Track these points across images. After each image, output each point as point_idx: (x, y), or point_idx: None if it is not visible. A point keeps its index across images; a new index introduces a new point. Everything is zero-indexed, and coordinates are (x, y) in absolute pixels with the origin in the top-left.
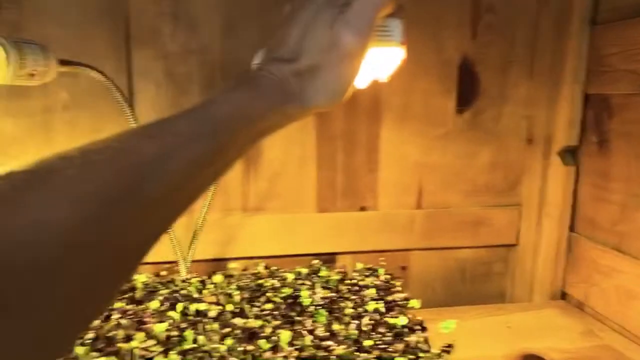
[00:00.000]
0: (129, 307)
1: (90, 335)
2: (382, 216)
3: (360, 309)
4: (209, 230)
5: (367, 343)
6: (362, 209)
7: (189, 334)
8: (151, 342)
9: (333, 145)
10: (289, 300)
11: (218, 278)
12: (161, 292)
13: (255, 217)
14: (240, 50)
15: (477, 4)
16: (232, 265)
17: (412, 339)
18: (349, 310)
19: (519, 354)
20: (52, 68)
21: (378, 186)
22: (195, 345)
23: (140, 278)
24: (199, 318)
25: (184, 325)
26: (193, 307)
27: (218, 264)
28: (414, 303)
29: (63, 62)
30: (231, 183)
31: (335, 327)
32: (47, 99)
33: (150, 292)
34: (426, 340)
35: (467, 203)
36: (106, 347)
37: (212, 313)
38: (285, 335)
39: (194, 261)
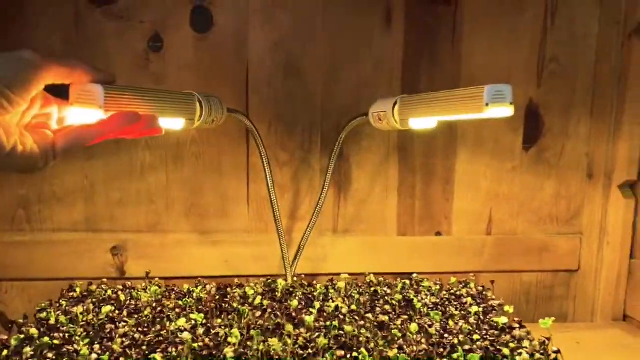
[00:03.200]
0: (275, 304)
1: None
2: (456, 241)
3: (463, 312)
4: (306, 248)
5: (476, 337)
6: (438, 233)
7: (335, 323)
8: (303, 330)
9: (413, 177)
10: (404, 303)
11: (341, 284)
12: (297, 293)
13: (344, 238)
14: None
15: (542, 55)
16: (343, 276)
17: (517, 332)
18: (455, 312)
19: None
20: (223, 117)
21: (452, 214)
22: (342, 332)
23: (281, 283)
24: (336, 313)
25: (323, 320)
26: (331, 304)
27: (312, 278)
28: (508, 308)
29: (229, 110)
30: (325, 208)
31: (450, 323)
32: (179, 135)
33: (288, 293)
34: (529, 333)
35: (532, 231)
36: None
37: (345, 310)
38: (413, 326)
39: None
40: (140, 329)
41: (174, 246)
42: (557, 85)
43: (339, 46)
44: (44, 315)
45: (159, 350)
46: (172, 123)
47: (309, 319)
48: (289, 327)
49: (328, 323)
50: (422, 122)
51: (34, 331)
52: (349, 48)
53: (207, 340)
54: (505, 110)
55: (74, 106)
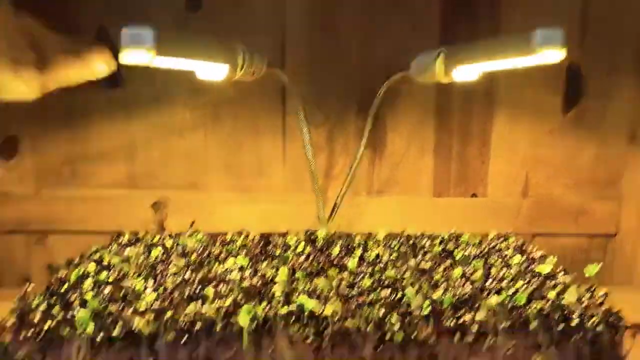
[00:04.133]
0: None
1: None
2: (491, 203)
3: (505, 262)
4: (340, 207)
5: (520, 283)
6: (473, 195)
7: (378, 269)
8: (345, 274)
9: (449, 138)
10: (444, 254)
11: (380, 235)
12: (337, 242)
13: (378, 198)
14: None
15: (586, 13)
16: (380, 232)
17: (561, 279)
18: (498, 262)
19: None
20: (263, 69)
21: (488, 175)
22: (384, 277)
23: (321, 233)
24: (377, 260)
25: (364, 267)
26: (372, 253)
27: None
28: (551, 259)
29: (269, 65)
30: (360, 168)
31: (493, 271)
32: (217, 95)
33: (328, 243)
34: (576, 278)
35: (569, 194)
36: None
37: (385, 258)
38: (457, 271)
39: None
40: (189, 269)
41: (212, 203)
42: (601, 45)
43: (375, 5)
44: (97, 256)
45: (210, 286)
46: (214, 72)
47: (352, 263)
48: (333, 271)
49: (370, 269)
50: (466, 73)
51: (91, 267)
52: (385, 7)
53: (254, 280)
54: (556, 54)
55: (124, 50)
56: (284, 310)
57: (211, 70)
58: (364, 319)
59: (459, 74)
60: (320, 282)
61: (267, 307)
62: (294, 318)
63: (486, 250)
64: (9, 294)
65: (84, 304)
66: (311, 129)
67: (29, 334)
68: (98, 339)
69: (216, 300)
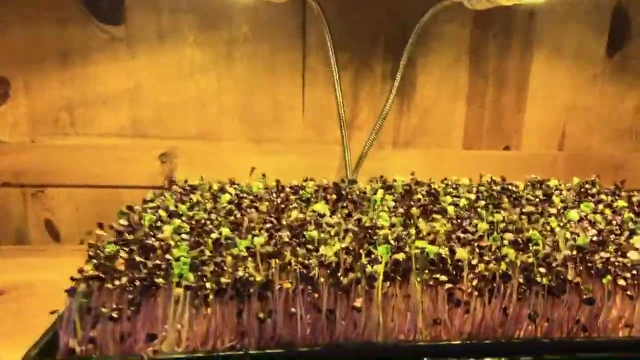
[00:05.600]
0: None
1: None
2: (526, 156)
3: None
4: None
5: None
6: (507, 148)
7: (482, 213)
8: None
9: (484, 84)
10: (543, 198)
11: (399, 180)
12: (418, 189)
13: (405, 151)
14: None
15: None
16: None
17: None
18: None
19: None
20: None
21: (523, 126)
22: (495, 220)
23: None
24: (475, 204)
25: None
26: (461, 200)
27: None
28: None
29: None
30: (387, 117)
31: (608, 212)
32: (231, 31)
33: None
34: None
35: (608, 147)
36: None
37: (481, 203)
38: (573, 214)
39: None
40: (273, 215)
41: (225, 154)
42: None
43: None
44: (156, 203)
45: (312, 230)
46: None
47: (450, 209)
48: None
49: (470, 213)
50: None
51: (162, 213)
52: None
53: (349, 224)
54: None
55: None
56: (414, 253)
57: None
58: (506, 263)
59: None
60: (425, 226)
61: (395, 251)
62: (423, 263)
63: (580, 194)
64: (4, 250)
65: (167, 250)
66: (333, 71)
67: (116, 285)
68: (203, 290)
69: (327, 245)
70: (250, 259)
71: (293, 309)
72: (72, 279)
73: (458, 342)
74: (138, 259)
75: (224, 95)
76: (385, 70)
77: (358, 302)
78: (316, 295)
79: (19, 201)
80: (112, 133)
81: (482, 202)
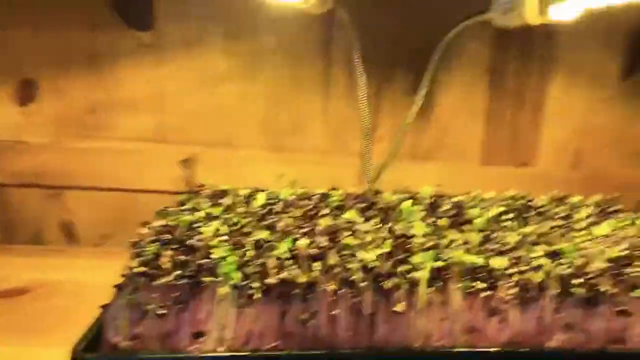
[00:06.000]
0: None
1: None
2: (542, 173)
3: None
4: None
5: None
6: (523, 164)
7: (509, 225)
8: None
9: (502, 103)
10: (562, 215)
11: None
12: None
13: (423, 164)
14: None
15: None
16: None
17: None
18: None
19: None
20: (329, 4)
21: (540, 144)
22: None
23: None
24: (499, 218)
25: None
26: (487, 212)
27: None
28: None
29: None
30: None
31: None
32: (256, 41)
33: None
34: None
35: (624, 166)
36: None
37: (508, 217)
38: (603, 228)
39: None
40: (306, 220)
41: (246, 162)
42: None
43: None
44: (191, 205)
45: (349, 237)
46: None
47: (478, 221)
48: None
49: (496, 226)
50: (566, 10)
51: (198, 215)
52: None
53: (384, 232)
54: None
55: None
56: (455, 261)
57: None
58: (543, 272)
59: (557, 11)
60: (458, 236)
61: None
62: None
63: (603, 212)
64: (22, 250)
65: (209, 250)
66: (356, 85)
67: (163, 282)
68: (248, 289)
69: (365, 251)
70: (291, 261)
71: (335, 311)
72: (122, 275)
73: (497, 349)
74: (184, 257)
75: (247, 104)
76: (407, 84)
77: (399, 307)
78: (358, 299)
79: (38, 202)
80: (135, 137)
81: (509, 215)
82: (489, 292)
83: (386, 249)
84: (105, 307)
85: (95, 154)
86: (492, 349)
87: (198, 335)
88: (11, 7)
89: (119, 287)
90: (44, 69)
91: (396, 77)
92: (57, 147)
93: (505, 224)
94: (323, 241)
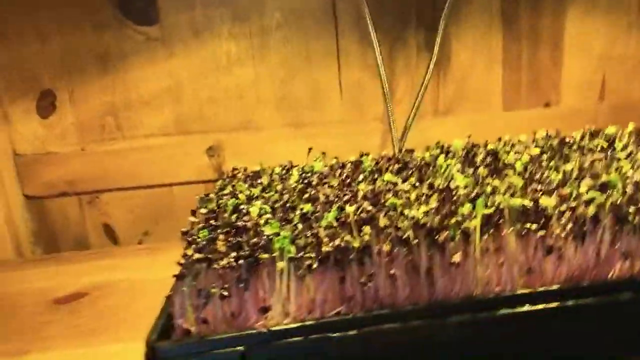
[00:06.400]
0: None
1: None
2: (566, 111)
3: None
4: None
5: None
6: (547, 105)
7: (549, 165)
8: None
9: (518, 45)
10: (606, 148)
11: (458, 144)
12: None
13: (446, 118)
14: None
15: None
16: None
17: None
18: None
19: None
20: None
21: (562, 81)
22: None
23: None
24: (538, 159)
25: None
26: (523, 156)
27: None
28: None
29: None
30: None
31: None
32: (263, 20)
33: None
34: None
35: None
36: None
37: (544, 157)
38: None
39: None
40: (342, 189)
41: (269, 141)
42: None
43: None
44: (229, 190)
45: (393, 197)
46: None
47: (518, 164)
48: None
49: (534, 167)
50: None
51: (241, 197)
52: None
53: (425, 188)
54: None
55: None
56: (504, 205)
57: None
58: (594, 206)
59: None
60: (500, 183)
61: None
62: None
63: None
64: (69, 257)
65: (259, 229)
66: (368, 49)
67: (222, 264)
68: (305, 260)
69: (410, 209)
70: (342, 228)
71: (392, 271)
72: (179, 263)
73: (556, 286)
74: (237, 239)
75: (261, 84)
76: (419, 42)
77: (456, 258)
78: (413, 256)
79: (77, 209)
80: (158, 133)
81: (546, 155)
82: (543, 231)
83: (433, 204)
84: (169, 296)
85: (122, 154)
86: (554, 287)
87: (264, 311)
88: (19, 24)
89: (179, 276)
90: (58, 78)
91: (407, 36)
92: (84, 153)
93: (544, 164)
94: (367, 205)
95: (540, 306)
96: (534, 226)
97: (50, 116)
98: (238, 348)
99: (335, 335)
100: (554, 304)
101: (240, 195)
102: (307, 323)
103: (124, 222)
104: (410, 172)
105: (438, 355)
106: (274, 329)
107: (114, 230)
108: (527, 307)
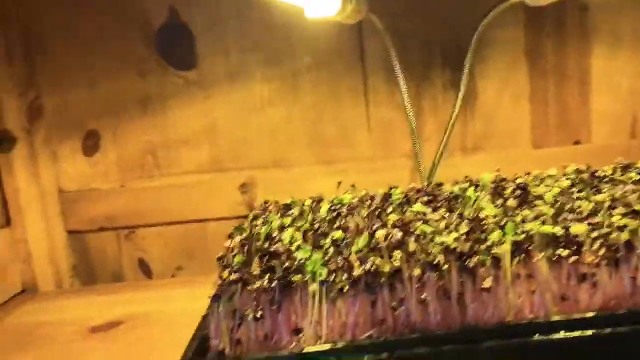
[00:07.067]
0: None
1: None
2: (597, 149)
3: None
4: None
5: None
6: (577, 142)
7: (580, 195)
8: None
9: (545, 82)
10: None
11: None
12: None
13: (474, 156)
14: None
15: None
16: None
17: None
18: None
19: None
20: (364, 12)
21: (591, 118)
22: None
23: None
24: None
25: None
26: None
27: None
28: None
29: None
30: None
31: None
32: (294, 64)
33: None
34: None
35: None
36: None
37: (575, 189)
38: None
39: None
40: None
41: (300, 178)
42: None
43: None
44: (260, 221)
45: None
46: (326, 7)
47: (548, 196)
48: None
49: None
50: None
51: (274, 225)
52: None
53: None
54: None
55: None
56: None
57: (322, 6)
58: (628, 232)
59: None
60: (530, 213)
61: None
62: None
63: None
64: (105, 289)
65: (291, 254)
66: (395, 89)
67: (257, 286)
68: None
69: (447, 234)
70: (372, 253)
71: (424, 296)
72: (217, 285)
73: (593, 314)
74: (271, 263)
75: (293, 124)
76: (445, 80)
77: (487, 283)
78: (444, 281)
79: (114, 243)
80: (194, 171)
81: (578, 187)
82: (575, 257)
83: (463, 230)
84: (205, 317)
85: (159, 191)
86: (589, 315)
87: (296, 332)
88: (70, 71)
89: (215, 298)
90: (103, 120)
91: (433, 75)
92: (124, 190)
93: (575, 195)
94: (398, 232)
95: (576, 333)
96: (566, 252)
97: (95, 155)
98: None
99: (366, 357)
100: (590, 332)
101: (272, 224)
102: (339, 345)
103: (159, 256)
104: (439, 204)
105: None
106: (306, 351)
107: (148, 265)
108: (562, 335)
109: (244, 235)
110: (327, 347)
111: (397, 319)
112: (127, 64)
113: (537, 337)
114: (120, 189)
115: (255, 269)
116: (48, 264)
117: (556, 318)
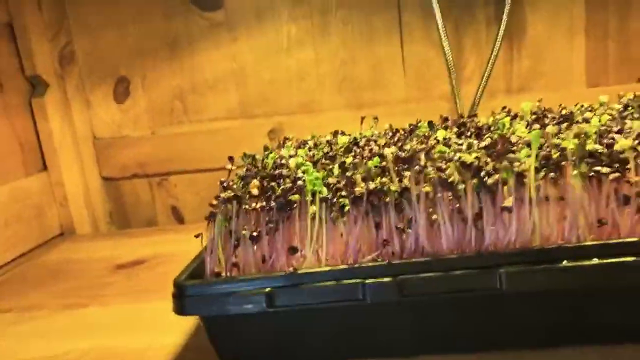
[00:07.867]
0: None
1: None
2: None
3: None
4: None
5: None
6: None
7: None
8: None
9: (604, 12)
10: None
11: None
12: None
13: (520, 98)
14: None
15: None
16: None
17: None
18: None
19: None
20: None
21: None
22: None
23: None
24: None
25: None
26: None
27: None
28: None
29: None
30: (495, 64)
31: None
32: (324, 1)
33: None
34: None
35: None
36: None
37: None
38: None
39: None
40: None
41: (329, 124)
42: None
43: None
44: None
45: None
46: None
47: (594, 120)
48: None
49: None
50: None
51: (285, 152)
52: None
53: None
54: None
55: None
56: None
57: None
58: None
59: None
60: (570, 132)
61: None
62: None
63: None
64: (137, 232)
65: (296, 178)
66: (432, 24)
67: (253, 206)
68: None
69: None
70: (380, 172)
71: (433, 217)
72: (210, 205)
73: (634, 239)
74: (272, 183)
75: (322, 66)
76: (488, 14)
77: (508, 202)
78: (458, 201)
79: (147, 190)
80: (222, 117)
81: (629, 111)
82: (616, 175)
83: (484, 145)
84: (198, 236)
85: (189, 138)
86: (631, 239)
87: (294, 250)
88: (100, 15)
89: (210, 218)
90: (132, 65)
91: (475, 8)
92: (155, 137)
93: (626, 119)
94: (412, 149)
95: (611, 260)
96: (606, 169)
97: (125, 101)
98: (265, 289)
99: (365, 281)
100: (628, 258)
101: (284, 151)
102: (336, 267)
103: (191, 203)
104: (468, 132)
105: (483, 307)
106: (301, 271)
107: (181, 212)
108: (595, 261)
109: (251, 161)
110: (325, 269)
111: (403, 242)
112: (154, 4)
113: (564, 263)
114: (151, 136)
115: (254, 189)
116: (84, 207)
117: (593, 242)
